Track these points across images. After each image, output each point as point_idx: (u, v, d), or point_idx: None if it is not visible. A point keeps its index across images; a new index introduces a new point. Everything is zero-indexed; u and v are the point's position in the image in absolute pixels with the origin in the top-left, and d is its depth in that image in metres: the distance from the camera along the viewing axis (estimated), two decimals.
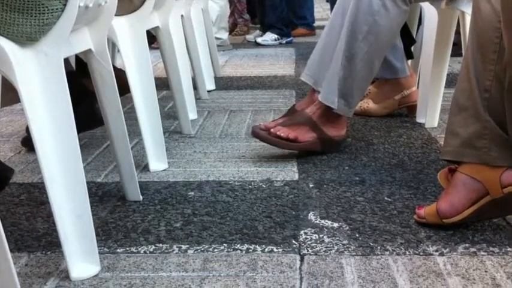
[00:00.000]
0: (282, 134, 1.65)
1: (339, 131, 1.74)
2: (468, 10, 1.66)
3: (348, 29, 1.68)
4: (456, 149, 1.20)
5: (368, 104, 2.16)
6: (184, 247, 1.16)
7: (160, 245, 1.17)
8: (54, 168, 1.01)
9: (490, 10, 1.14)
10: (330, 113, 1.71)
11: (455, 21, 1.92)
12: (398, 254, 1.11)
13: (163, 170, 1.61)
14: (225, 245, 1.16)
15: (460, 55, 1.77)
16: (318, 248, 1.14)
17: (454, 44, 1.98)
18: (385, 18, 1.65)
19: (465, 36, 1.97)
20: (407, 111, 2.17)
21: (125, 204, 1.38)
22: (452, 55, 1.97)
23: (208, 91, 2.61)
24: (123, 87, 1.51)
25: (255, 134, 1.68)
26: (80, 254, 1.05)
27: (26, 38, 0.96)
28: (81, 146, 1.05)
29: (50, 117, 1.00)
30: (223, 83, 2.88)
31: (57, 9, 0.98)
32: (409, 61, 2.40)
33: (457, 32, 1.99)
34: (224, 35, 4.06)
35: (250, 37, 4.70)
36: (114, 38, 1.49)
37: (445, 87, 2.00)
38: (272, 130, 1.67)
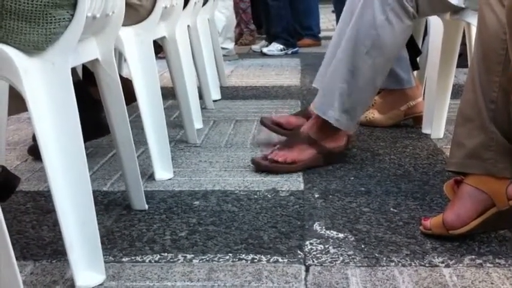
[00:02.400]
0: (279, 159, 1.65)
1: (337, 143, 1.73)
2: (474, 21, 1.66)
3: (350, 43, 1.66)
4: (462, 160, 1.20)
5: (373, 115, 2.16)
6: (189, 256, 1.16)
7: (166, 254, 1.17)
8: (60, 176, 1.01)
9: (496, 21, 1.15)
10: (327, 126, 1.69)
11: (461, 32, 1.92)
12: (404, 266, 1.11)
13: (169, 179, 1.62)
14: (230, 254, 1.16)
15: (466, 66, 1.77)
16: (323, 259, 1.14)
17: (460, 55, 1.98)
18: (389, 32, 1.63)
19: (471, 47, 1.97)
20: (413, 122, 2.17)
21: (131, 213, 1.38)
22: (458, 66, 1.97)
23: (214, 101, 2.62)
24: (130, 97, 1.51)
25: (256, 164, 1.67)
26: (85, 263, 1.05)
27: (33, 47, 0.97)
28: (87, 155, 1.05)
29: (57, 126, 1.01)
30: (229, 93, 2.89)
31: (64, 18, 0.99)
32: (415, 72, 2.40)
33: (463, 43, 1.99)
34: (230, 45, 4.08)
35: (256, 47, 4.71)
36: (121, 47, 1.50)
37: (451, 98, 2.00)
38: (269, 157, 1.67)
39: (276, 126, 1.92)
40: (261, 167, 1.66)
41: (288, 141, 1.73)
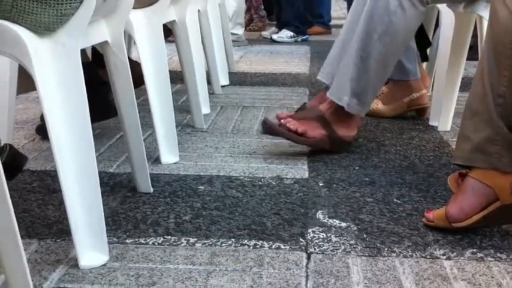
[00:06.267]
0: (291, 127, 1.66)
1: (349, 131, 1.74)
2: (486, 15, 1.64)
3: (363, 28, 1.68)
4: (467, 153, 1.20)
5: (377, 105, 2.15)
6: (192, 240, 1.17)
7: (169, 237, 1.18)
8: (67, 157, 1.02)
9: (507, 15, 1.14)
10: (342, 112, 1.71)
11: (472, 25, 1.91)
12: (405, 256, 1.11)
13: (175, 163, 1.62)
14: (233, 239, 1.17)
15: (476, 59, 1.76)
16: (325, 247, 1.15)
17: (470, 48, 1.97)
18: (402, 18, 1.64)
19: (482, 40, 1.96)
20: (416, 114, 2.16)
21: (136, 196, 1.39)
22: (468, 59, 1.96)
23: (222, 86, 2.62)
24: (138, 80, 1.52)
25: (267, 124, 1.68)
26: (90, 243, 1.06)
27: (44, 28, 0.98)
28: (94, 136, 1.06)
29: (65, 107, 1.01)
30: (237, 79, 2.89)
31: (75, 0, 0.99)
32: (424, 64, 2.39)
33: (474, 35, 1.98)
34: (240, 31, 4.06)
35: (265, 34, 4.70)
36: (131, 30, 1.50)
37: (460, 90, 1.99)
38: (282, 121, 1.68)
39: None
40: (270, 127, 1.67)
41: (303, 115, 1.74)
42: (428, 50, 2.36)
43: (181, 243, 1.15)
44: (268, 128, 1.68)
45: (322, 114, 1.71)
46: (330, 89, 1.74)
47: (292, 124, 1.67)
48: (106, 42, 1.24)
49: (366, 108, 1.74)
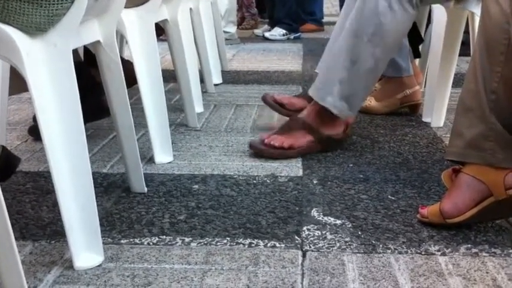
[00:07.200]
0: (276, 144, 1.65)
1: (336, 130, 1.72)
2: (477, 11, 1.65)
3: (351, 29, 1.64)
4: (461, 149, 1.20)
5: (370, 102, 2.15)
6: (187, 240, 1.16)
7: (164, 237, 1.18)
8: (60, 157, 1.01)
9: (499, 12, 1.14)
10: (325, 113, 1.69)
11: (464, 21, 1.91)
12: (400, 253, 1.12)
13: (169, 163, 1.62)
14: (228, 238, 1.17)
15: (469, 55, 1.77)
16: (320, 245, 1.15)
17: (463, 43, 1.98)
18: (391, 20, 1.60)
19: (474, 36, 1.97)
20: (409, 110, 2.17)
21: (130, 196, 1.39)
22: (460, 54, 1.96)
23: (215, 85, 2.62)
24: (131, 79, 1.51)
25: (252, 148, 1.67)
26: (84, 244, 1.05)
27: (35, 28, 0.97)
28: (87, 137, 1.06)
29: (58, 107, 1.01)
30: (230, 77, 2.88)
31: (66, 0, 0.98)
32: (417, 60, 2.40)
33: (466, 31, 1.98)
34: (232, 29, 4.06)
35: (258, 31, 4.70)
36: (123, 30, 1.49)
37: (453, 86, 2.00)
38: (266, 141, 1.66)
39: (278, 106, 1.92)
40: (257, 150, 1.66)
41: (285, 127, 1.73)
42: (420, 47, 2.36)
43: (177, 242, 1.15)
44: (256, 153, 1.67)
45: (304, 121, 1.69)
46: (312, 87, 1.72)
47: (277, 140, 1.65)
48: (98, 41, 1.23)
49: (355, 112, 1.73)
